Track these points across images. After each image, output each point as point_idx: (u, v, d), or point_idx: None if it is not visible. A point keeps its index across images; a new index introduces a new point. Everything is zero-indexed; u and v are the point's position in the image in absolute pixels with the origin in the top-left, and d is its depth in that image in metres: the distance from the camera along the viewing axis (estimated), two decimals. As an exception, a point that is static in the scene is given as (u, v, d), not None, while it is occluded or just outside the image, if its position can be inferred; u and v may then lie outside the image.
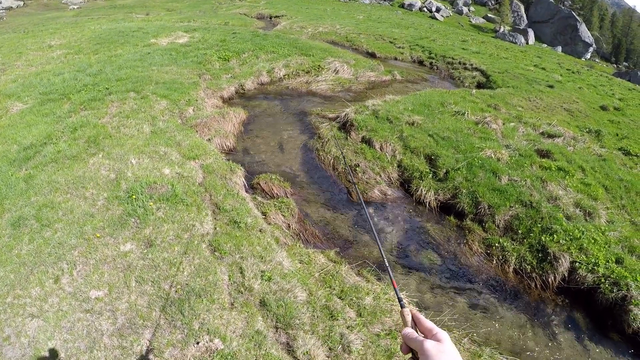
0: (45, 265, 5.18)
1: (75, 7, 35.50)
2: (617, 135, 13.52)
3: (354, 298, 5.49)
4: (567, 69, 26.41)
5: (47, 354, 4.24)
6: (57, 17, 27.42)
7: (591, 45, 74.22)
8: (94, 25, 22.22)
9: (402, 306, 1.48)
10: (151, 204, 6.36)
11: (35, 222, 5.86)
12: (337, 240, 7.11)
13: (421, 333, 1.33)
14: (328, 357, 4.60)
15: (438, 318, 5.70)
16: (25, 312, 4.61)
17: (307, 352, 4.53)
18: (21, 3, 39.82)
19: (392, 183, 8.98)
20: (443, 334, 1.24)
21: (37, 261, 5.23)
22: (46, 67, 13.72)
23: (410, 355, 1.30)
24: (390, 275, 1.80)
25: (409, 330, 1.33)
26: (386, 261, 1.87)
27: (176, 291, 5.01)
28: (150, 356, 4.29)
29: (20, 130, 8.63)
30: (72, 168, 7.16)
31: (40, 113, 9.55)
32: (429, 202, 8.37)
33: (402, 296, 1.64)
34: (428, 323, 1.32)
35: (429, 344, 1.19)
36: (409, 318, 1.41)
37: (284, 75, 15.07)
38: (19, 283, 4.93)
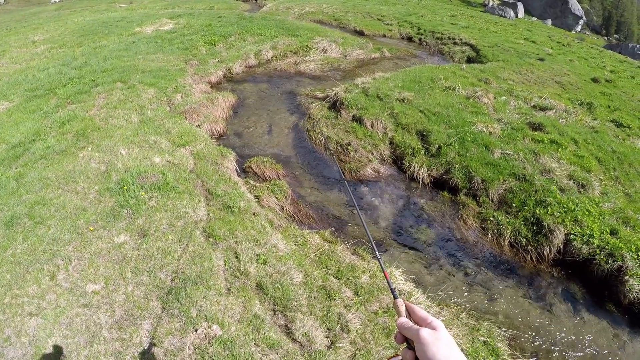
0: (41, 262, 5.16)
1: (57, 0, 34.96)
2: (609, 107, 13.45)
3: (351, 277, 5.51)
4: (557, 42, 26.15)
5: (48, 351, 4.25)
6: (39, 12, 27.00)
7: (581, 18, 73.41)
8: (77, 18, 21.88)
9: (395, 297, 1.48)
10: (143, 193, 6.33)
11: (28, 220, 5.82)
12: (332, 220, 7.10)
13: (415, 322, 1.31)
14: (327, 337, 4.63)
15: (435, 294, 5.74)
16: (24, 311, 4.61)
17: (305, 333, 4.55)
18: (2, 0, 39.24)
19: (384, 160, 8.95)
20: (438, 322, 1.23)
21: (33, 259, 5.21)
22: (31, 64, 13.52)
23: (404, 345, 1.30)
24: (381, 266, 1.79)
25: (403, 320, 1.32)
26: (377, 252, 1.84)
27: (172, 280, 5.01)
28: (150, 346, 4.31)
29: (8, 129, 8.54)
30: (62, 163, 7.11)
31: (27, 110, 9.44)
32: (422, 178, 8.36)
33: (397, 284, 1.62)
34: (422, 312, 1.31)
35: (424, 332, 1.18)
36: (402, 308, 1.40)
37: (271, 57, 14.90)
38: (15, 282, 4.92)
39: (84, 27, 18.53)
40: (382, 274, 5.65)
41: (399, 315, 1.38)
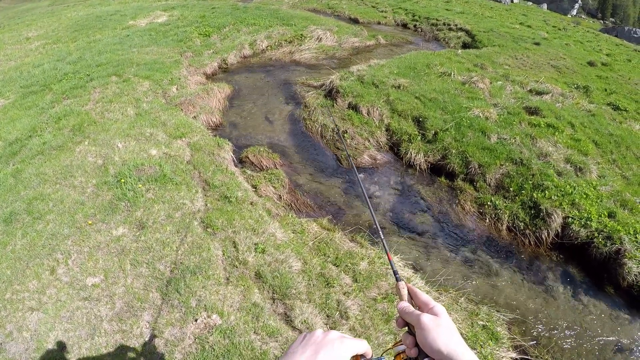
0: (40, 257, 5.19)
1: (51, -5, 34.73)
2: (606, 90, 13.42)
3: (349, 264, 5.53)
4: (553, 26, 26.05)
5: (49, 345, 4.28)
6: (32, 9, 26.83)
7: (577, 2, 73.01)
8: (71, 13, 21.71)
9: (397, 279, 1.44)
10: (140, 186, 6.34)
11: (27, 216, 5.84)
12: (330, 208, 7.12)
13: (417, 306, 1.30)
14: (326, 324, 4.66)
15: (433, 279, 5.76)
16: (25, 306, 4.63)
17: (304, 320, 4.59)
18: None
19: (381, 147, 8.95)
20: (440, 308, 1.22)
21: (32, 254, 5.23)
22: (25, 60, 13.46)
23: (405, 329, 1.27)
24: (385, 248, 1.75)
25: (405, 304, 1.30)
26: (381, 233, 1.82)
27: (171, 271, 5.04)
28: (151, 337, 4.34)
29: (4, 126, 8.53)
30: (59, 158, 7.11)
31: (23, 106, 9.42)
32: (419, 164, 8.37)
33: (397, 269, 1.59)
34: (424, 296, 1.29)
35: (426, 318, 1.16)
36: (404, 292, 1.37)
37: (266, 47, 14.84)
38: (16, 278, 4.94)
39: (78, 22, 18.42)
40: (382, 260, 5.70)
41: (401, 298, 1.36)
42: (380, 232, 1.84)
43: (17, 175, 6.77)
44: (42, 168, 6.85)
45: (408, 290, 1.37)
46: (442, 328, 1.14)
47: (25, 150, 7.50)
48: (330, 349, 1.08)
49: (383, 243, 1.80)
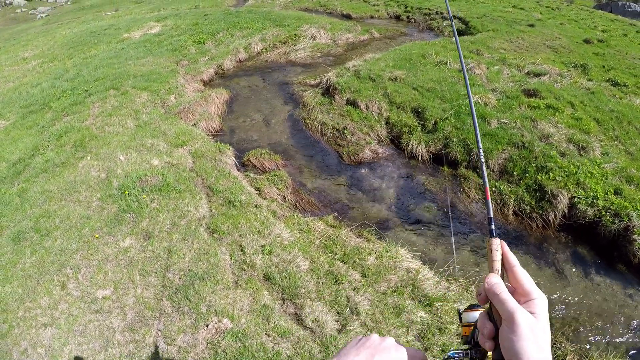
0: (50, 274, 5.23)
1: (43, 15, 34.82)
2: (604, 67, 13.30)
3: (357, 260, 5.53)
4: (546, 7, 25.78)
5: (64, 359, 4.32)
6: (27, 29, 26.92)
7: (569, -20, 72.46)
8: (65, 30, 21.78)
9: (490, 233, 1.14)
10: (144, 196, 6.37)
11: (34, 234, 5.89)
12: (334, 205, 7.12)
13: (512, 289, 0.99)
14: (337, 321, 4.67)
15: (442, 269, 5.74)
16: (38, 322, 4.67)
17: (315, 319, 4.59)
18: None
19: (382, 141, 8.94)
20: (541, 304, 0.93)
21: (42, 271, 5.27)
22: (23, 80, 13.52)
23: (486, 306, 1.01)
24: (484, 180, 1.45)
25: (496, 281, 0.98)
26: (483, 164, 1.54)
27: (180, 278, 5.06)
28: (163, 345, 4.36)
29: (7, 147, 8.59)
30: (63, 175, 7.15)
31: (24, 126, 9.48)
32: (421, 155, 8.35)
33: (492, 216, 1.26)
34: (525, 279, 0.98)
35: (522, 319, 0.87)
36: (497, 256, 1.04)
37: (261, 50, 14.86)
38: (27, 296, 4.98)
39: (73, 39, 18.49)
40: (389, 254, 5.69)
41: (491, 268, 1.04)
42: (481, 155, 1.58)
43: (22, 195, 6.82)
44: (47, 185, 6.90)
45: (503, 256, 1.05)
46: (536, 337, 0.86)
47: (29, 170, 7.55)
48: (387, 356, 0.94)
49: (483, 171, 1.52)
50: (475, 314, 1.03)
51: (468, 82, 2.00)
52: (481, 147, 1.55)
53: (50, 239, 5.76)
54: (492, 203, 6.57)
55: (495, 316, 0.94)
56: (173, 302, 4.78)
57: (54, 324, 4.63)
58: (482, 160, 1.51)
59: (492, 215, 1.23)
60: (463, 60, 2.16)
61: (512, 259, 1.02)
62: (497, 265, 1.03)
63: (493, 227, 1.15)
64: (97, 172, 7.16)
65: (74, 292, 5.00)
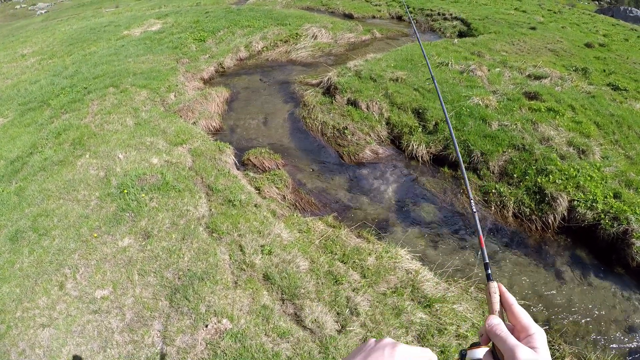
0: (48, 273, 5.20)
1: (43, 11, 34.72)
2: (604, 71, 13.29)
3: (357, 260, 5.51)
4: (548, 10, 25.78)
5: None
6: (26, 25, 26.83)
7: (571, -16, 72.47)
8: (64, 27, 21.71)
9: (488, 278, 1.20)
10: (143, 195, 6.34)
11: (32, 233, 5.85)
12: (334, 205, 7.10)
13: (510, 323, 1.06)
14: (337, 321, 4.65)
15: (442, 270, 5.73)
16: (36, 323, 4.64)
17: (315, 319, 4.57)
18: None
19: (382, 141, 8.92)
20: (540, 337, 0.97)
21: (40, 271, 5.24)
22: (22, 77, 13.48)
23: (489, 345, 1.05)
24: (478, 229, 1.50)
25: (496, 322, 1.04)
26: (475, 214, 1.60)
27: (179, 278, 5.03)
28: (162, 346, 4.34)
29: (5, 145, 8.55)
30: (61, 173, 7.12)
31: (22, 124, 9.44)
32: (422, 156, 8.33)
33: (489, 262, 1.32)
34: (523, 316, 1.04)
35: (523, 353, 0.92)
36: (496, 298, 1.12)
37: (262, 48, 14.82)
38: (25, 296, 4.95)
39: (72, 36, 18.44)
40: (389, 254, 5.67)
41: (491, 310, 1.11)
42: (472, 205, 1.61)
43: (20, 193, 6.79)
44: (45, 184, 6.86)
45: (502, 297, 1.12)
46: None
47: (27, 168, 7.51)
48: (380, 355, 0.92)
49: (476, 219, 1.57)
50: (478, 352, 1.05)
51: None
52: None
53: (48, 238, 5.72)
54: (493, 207, 6.59)
55: (499, 354, 0.99)
56: (172, 303, 4.75)
57: (52, 325, 4.61)
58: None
59: (488, 261, 1.31)
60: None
61: (510, 298, 1.10)
62: (496, 306, 1.11)
63: (489, 272, 1.23)
64: (96, 170, 7.12)
65: (72, 292, 4.97)
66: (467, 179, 1.71)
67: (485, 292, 1.16)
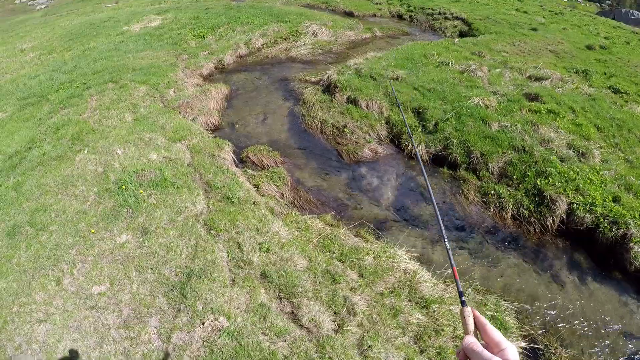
0: (46, 269, 5.18)
1: (43, 6, 34.54)
2: (605, 73, 13.33)
3: (355, 259, 5.51)
4: (549, 11, 25.82)
5: (58, 356, 4.28)
6: (25, 20, 26.69)
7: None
8: (64, 22, 21.63)
9: (462, 304, 1.31)
10: (142, 191, 6.33)
11: (30, 228, 5.83)
12: (333, 204, 7.10)
13: (485, 343, 1.17)
14: (334, 321, 4.64)
15: (440, 271, 5.74)
16: (32, 318, 4.63)
17: (312, 318, 4.57)
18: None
19: (382, 140, 8.92)
20: (512, 351, 1.09)
21: (37, 266, 5.22)
22: (21, 72, 13.42)
23: None
24: (451, 262, 1.63)
25: (471, 340, 1.15)
26: (449, 251, 1.71)
27: (176, 275, 5.02)
28: (159, 343, 4.33)
29: (3, 139, 8.52)
30: (60, 168, 7.09)
31: (21, 119, 9.40)
32: (421, 156, 8.31)
33: (462, 290, 1.47)
34: (495, 334, 1.15)
35: None
36: (470, 320, 1.24)
37: (262, 45, 14.80)
38: (22, 291, 4.94)
39: (72, 31, 18.37)
40: (387, 254, 5.67)
41: (466, 331, 1.23)
42: (448, 250, 1.72)
43: (18, 188, 6.76)
44: (43, 179, 6.83)
45: (475, 320, 1.25)
46: None
47: (25, 163, 7.48)
48: None
49: (450, 258, 1.66)
50: None
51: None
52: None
53: (46, 234, 5.70)
54: (492, 208, 6.59)
55: None
56: (169, 300, 4.74)
57: (49, 320, 4.59)
58: (447, 246, 1.73)
59: (462, 290, 1.46)
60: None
61: (483, 319, 1.22)
62: (471, 327, 1.23)
63: (464, 298, 1.35)
64: (94, 166, 7.10)
65: (69, 287, 4.96)
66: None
67: (460, 316, 1.28)
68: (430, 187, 1.63)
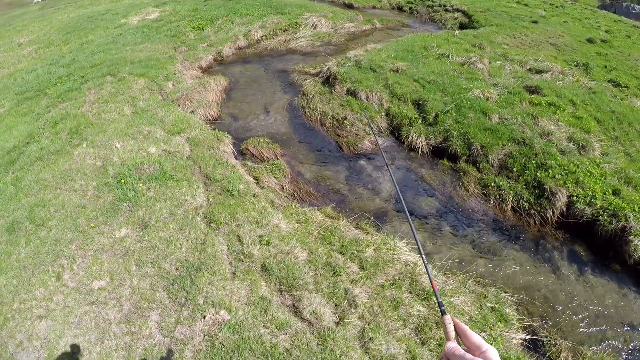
0: (45, 264, 5.16)
1: (40, 0, 34.47)
2: (606, 67, 13.31)
3: (355, 252, 5.49)
4: (550, 4, 25.67)
5: (60, 352, 4.27)
6: (22, 14, 26.55)
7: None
8: (61, 15, 21.50)
9: (442, 313, 1.38)
10: (141, 185, 6.30)
11: (29, 224, 5.81)
12: (333, 196, 7.07)
13: (466, 347, 1.23)
14: (335, 313, 4.63)
15: (440, 263, 5.73)
16: (33, 314, 4.62)
17: (313, 311, 4.55)
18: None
19: (382, 132, 8.88)
20: (493, 352, 1.13)
21: (37, 262, 5.20)
22: (18, 66, 13.36)
23: None
24: (429, 275, 1.68)
25: (453, 346, 1.22)
26: (424, 257, 1.78)
27: (177, 269, 5.01)
28: (160, 337, 4.32)
29: (1, 135, 8.48)
30: (58, 163, 7.06)
31: (19, 113, 9.36)
32: (421, 148, 8.31)
33: (442, 301, 1.55)
34: (475, 337, 1.21)
35: None
36: (450, 327, 1.31)
37: (261, 37, 14.71)
38: (22, 287, 4.92)
39: (69, 24, 18.26)
40: (387, 246, 5.65)
41: (448, 338, 1.29)
42: (423, 257, 1.80)
43: (16, 183, 6.73)
44: (42, 174, 6.80)
45: (455, 327, 1.31)
46: None
47: (23, 158, 7.44)
48: None
49: (427, 270, 1.72)
50: None
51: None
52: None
53: (45, 229, 5.68)
54: (492, 200, 6.56)
55: None
56: (170, 293, 4.73)
57: (50, 316, 4.58)
58: (424, 260, 1.78)
59: (440, 300, 1.52)
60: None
61: (463, 325, 1.28)
62: (452, 334, 1.29)
63: (443, 308, 1.42)
64: (93, 160, 7.07)
65: (69, 283, 4.94)
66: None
67: (441, 324, 1.35)
68: (398, 189, 1.63)
